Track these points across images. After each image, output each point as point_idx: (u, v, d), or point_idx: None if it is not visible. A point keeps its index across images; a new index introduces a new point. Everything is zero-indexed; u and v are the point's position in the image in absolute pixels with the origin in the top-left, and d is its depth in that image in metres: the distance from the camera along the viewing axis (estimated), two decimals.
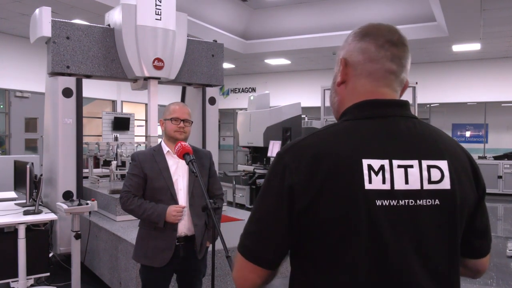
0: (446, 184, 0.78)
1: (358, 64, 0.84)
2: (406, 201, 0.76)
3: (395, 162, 0.77)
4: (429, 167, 0.78)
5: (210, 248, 2.08)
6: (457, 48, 8.13)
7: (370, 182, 0.74)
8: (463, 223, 0.82)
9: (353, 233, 0.74)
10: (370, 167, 0.75)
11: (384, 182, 0.75)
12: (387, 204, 0.75)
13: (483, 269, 0.91)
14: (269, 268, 0.81)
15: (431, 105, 10.12)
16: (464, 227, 0.83)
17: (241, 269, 0.81)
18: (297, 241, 0.80)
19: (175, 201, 2.04)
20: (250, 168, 7.04)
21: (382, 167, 0.76)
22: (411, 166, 0.77)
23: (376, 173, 0.75)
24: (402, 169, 0.77)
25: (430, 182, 0.78)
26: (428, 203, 0.77)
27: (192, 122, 2.17)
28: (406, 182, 0.76)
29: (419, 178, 0.77)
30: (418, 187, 0.77)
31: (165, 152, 2.11)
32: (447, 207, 0.78)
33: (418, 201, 0.77)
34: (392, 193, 0.75)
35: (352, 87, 0.85)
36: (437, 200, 0.77)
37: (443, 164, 0.79)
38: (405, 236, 0.76)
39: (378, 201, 0.74)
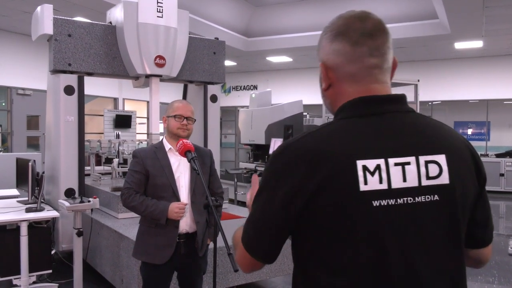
0: (444, 179, 0.77)
1: (337, 67, 0.82)
2: (405, 199, 0.75)
3: (391, 161, 0.76)
4: (426, 162, 0.77)
5: (211, 246, 2.09)
6: (459, 45, 8.09)
7: (365, 183, 0.73)
8: (466, 216, 0.81)
9: (351, 235, 0.74)
10: (365, 168, 0.74)
11: (381, 182, 0.74)
12: (385, 204, 0.74)
13: (486, 259, 0.89)
14: (264, 262, 0.83)
15: (433, 102, 10.08)
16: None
17: (243, 256, 0.85)
18: (297, 241, 0.80)
19: (177, 198, 2.05)
20: (252, 165, 7.04)
21: (378, 167, 0.74)
22: (408, 163, 0.76)
23: (372, 174, 0.74)
24: (399, 167, 0.76)
25: (428, 178, 0.76)
26: (427, 199, 0.76)
27: (195, 120, 2.17)
28: (404, 179, 0.75)
29: (417, 174, 0.76)
30: (416, 184, 0.76)
31: (167, 149, 2.11)
32: (447, 202, 0.77)
33: (416, 198, 0.75)
34: (389, 192, 0.74)
35: (339, 90, 0.83)
36: (436, 195, 0.76)
37: (441, 158, 0.78)
38: (406, 235, 0.74)
39: (375, 201, 0.73)
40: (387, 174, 0.75)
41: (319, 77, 0.86)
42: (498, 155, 8.87)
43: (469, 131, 10.38)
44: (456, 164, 0.79)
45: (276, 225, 0.79)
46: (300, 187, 0.74)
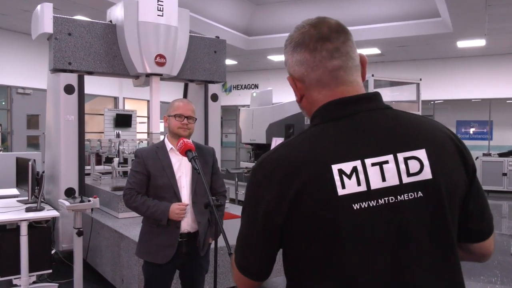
0: (427, 174, 0.75)
1: (302, 76, 0.82)
2: (386, 199, 0.73)
3: (368, 161, 0.74)
4: (405, 159, 0.75)
5: (212, 245, 2.08)
6: (461, 44, 8.04)
7: (343, 187, 0.72)
8: (455, 210, 0.79)
9: (336, 242, 0.73)
10: (341, 172, 0.73)
11: (359, 184, 0.73)
12: (365, 206, 0.73)
13: (488, 252, 0.87)
14: (258, 280, 0.83)
15: (435, 102, 10.04)
16: (459, 212, 0.80)
17: (237, 276, 0.85)
18: (286, 253, 0.80)
19: (178, 198, 2.05)
20: (252, 165, 7.01)
21: (354, 169, 0.73)
22: (386, 162, 0.75)
23: (349, 177, 0.73)
24: (377, 167, 0.74)
25: (409, 174, 0.75)
26: (410, 197, 0.74)
27: (196, 119, 2.16)
28: (383, 179, 0.74)
29: (397, 172, 0.74)
30: (396, 182, 0.74)
31: (168, 149, 2.11)
32: (432, 198, 0.75)
33: (399, 197, 0.74)
34: (369, 194, 0.73)
35: (311, 99, 0.83)
36: (419, 192, 0.74)
37: (421, 153, 0.76)
38: (391, 235, 0.73)
39: (355, 205, 0.72)
40: (365, 176, 0.73)
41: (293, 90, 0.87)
42: (500, 155, 8.80)
43: (472, 130, 10.33)
44: (439, 157, 0.77)
45: (262, 239, 0.79)
46: (279, 197, 0.74)
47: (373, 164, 0.74)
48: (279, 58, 9.93)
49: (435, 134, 0.80)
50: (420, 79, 6.25)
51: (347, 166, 0.74)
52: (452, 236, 0.78)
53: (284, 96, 9.45)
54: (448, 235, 0.77)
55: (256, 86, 11.69)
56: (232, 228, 1.87)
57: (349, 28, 0.83)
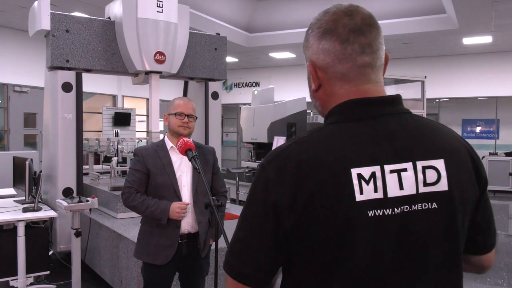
0: (443, 185, 0.74)
1: (327, 66, 0.77)
2: (402, 207, 0.71)
3: (387, 168, 0.72)
4: (424, 168, 0.73)
5: (213, 246, 2.06)
6: (467, 41, 7.97)
7: (361, 193, 0.70)
8: (466, 223, 0.78)
9: (347, 249, 0.70)
10: (360, 177, 0.70)
11: (376, 190, 0.70)
12: (380, 213, 0.70)
13: (489, 265, 0.87)
14: None
15: (441, 100, 9.97)
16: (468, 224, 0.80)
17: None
18: (288, 257, 0.74)
19: (178, 197, 2.03)
20: (254, 164, 6.96)
21: (373, 175, 0.71)
22: (405, 170, 0.73)
23: (368, 182, 0.70)
24: (395, 174, 0.72)
25: (425, 184, 0.73)
26: (424, 207, 0.72)
27: (197, 117, 2.16)
28: (401, 187, 0.72)
29: (415, 181, 0.72)
30: (413, 191, 0.72)
31: (168, 147, 2.10)
32: (446, 210, 0.74)
33: (413, 206, 0.72)
34: (385, 202, 0.71)
35: (330, 91, 0.78)
36: (434, 203, 0.73)
37: (440, 163, 0.74)
38: (401, 245, 0.71)
39: (371, 211, 0.70)
40: (383, 182, 0.71)
41: (308, 77, 0.82)
42: (507, 154, 8.70)
43: (478, 129, 10.22)
44: (455, 168, 0.75)
45: (268, 241, 0.72)
46: (292, 198, 0.70)
47: (391, 171, 0.71)
48: (281, 55, 9.85)
49: (453, 145, 0.78)
50: (425, 77, 6.18)
51: (366, 171, 0.70)
52: (460, 248, 0.77)
53: (286, 94, 9.38)
54: (457, 247, 0.76)
55: (257, 84, 11.62)
56: (233, 229, 1.81)
57: None
